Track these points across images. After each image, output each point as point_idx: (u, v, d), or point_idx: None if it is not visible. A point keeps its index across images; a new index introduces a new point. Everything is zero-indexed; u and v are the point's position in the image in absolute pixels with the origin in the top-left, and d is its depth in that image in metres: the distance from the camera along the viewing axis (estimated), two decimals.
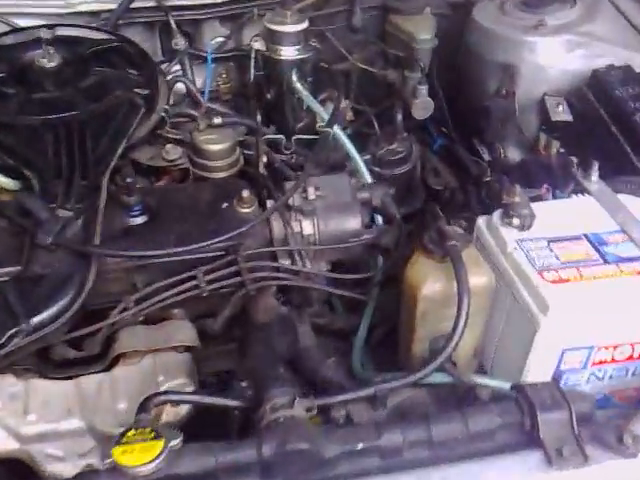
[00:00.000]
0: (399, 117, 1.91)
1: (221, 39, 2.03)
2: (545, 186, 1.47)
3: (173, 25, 1.84)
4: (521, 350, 1.30)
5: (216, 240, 1.31)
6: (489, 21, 1.83)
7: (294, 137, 1.72)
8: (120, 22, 1.88)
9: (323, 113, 1.77)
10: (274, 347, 1.25)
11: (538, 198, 1.46)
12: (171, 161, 1.53)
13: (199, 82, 1.99)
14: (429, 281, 1.31)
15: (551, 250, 1.33)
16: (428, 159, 2.06)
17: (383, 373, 1.35)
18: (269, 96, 1.89)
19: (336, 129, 1.72)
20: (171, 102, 1.71)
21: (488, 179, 1.86)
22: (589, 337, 1.27)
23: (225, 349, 1.43)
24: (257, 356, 1.23)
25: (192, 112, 1.69)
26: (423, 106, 1.88)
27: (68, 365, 1.30)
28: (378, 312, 1.50)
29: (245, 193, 1.39)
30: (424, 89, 1.86)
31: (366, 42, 2.04)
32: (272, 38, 1.81)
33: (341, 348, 1.47)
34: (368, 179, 1.67)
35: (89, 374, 1.30)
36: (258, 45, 1.84)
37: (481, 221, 1.44)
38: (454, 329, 1.22)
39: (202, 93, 1.87)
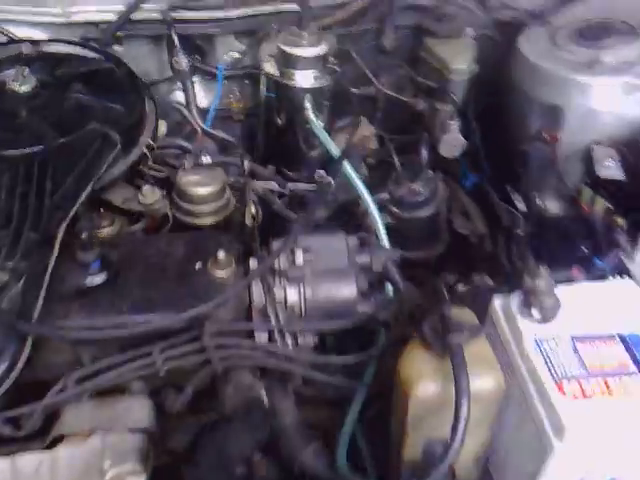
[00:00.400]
0: (424, 153, 1.68)
1: (236, 55, 1.84)
2: (577, 267, 1.23)
3: (175, 40, 1.65)
4: (532, 469, 1.08)
5: (177, 316, 1.12)
6: (535, 53, 1.58)
7: (290, 185, 1.51)
8: (121, 34, 1.70)
9: (334, 149, 1.55)
10: (231, 453, 1.06)
11: (567, 280, 1.22)
12: (148, 205, 1.34)
13: (209, 100, 1.81)
14: (424, 380, 1.10)
15: (576, 351, 1.10)
16: (457, 198, 1.83)
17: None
18: (280, 121, 1.69)
19: (346, 167, 1.51)
20: (165, 131, 1.52)
21: (520, 233, 1.62)
22: (613, 468, 1.05)
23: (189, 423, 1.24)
24: (207, 467, 1.04)
25: (184, 144, 1.50)
26: (452, 143, 1.66)
27: (4, 442, 1.14)
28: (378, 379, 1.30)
29: (221, 254, 1.20)
30: (455, 125, 1.64)
31: (395, 66, 1.80)
32: (285, 60, 1.61)
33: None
34: (379, 226, 1.45)
35: (27, 453, 1.14)
36: (269, 67, 1.63)
37: (497, 303, 1.22)
38: (450, 444, 1.01)
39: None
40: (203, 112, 1.82)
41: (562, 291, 1.16)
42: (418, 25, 1.76)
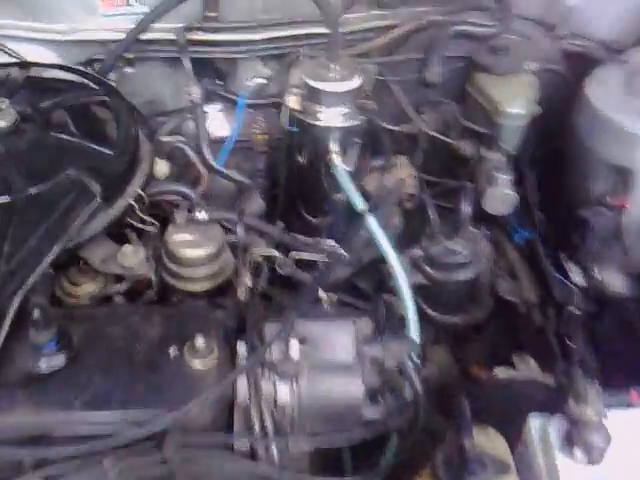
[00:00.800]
0: (466, 206, 1.44)
1: (261, 80, 1.63)
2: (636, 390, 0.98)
3: (187, 66, 1.45)
4: None
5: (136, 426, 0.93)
6: (606, 101, 1.32)
7: (293, 253, 1.29)
8: (131, 56, 1.52)
9: (359, 203, 1.33)
10: None
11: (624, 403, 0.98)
12: (128, 268, 1.15)
13: (229, 129, 1.61)
14: None
15: None
16: (504, 255, 1.59)
17: None
18: (301, 160, 1.48)
19: (371, 223, 1.29)
20: (167, 172, 1.33)
21: (574, 311, 1.37)
22: None
23: None
24: None
25: (186, 190, 1.30)
26: (499, 199, 1.42)
27: None
28: None
29: (199, 341, 1.00)
30: (504, 178, 1.39)
31: (441, 102, 1.57)
32: (310, 94, 1.39)
33: None
34: (406, 300, 1.23)
35: None
36: (292, 101, 1.42)
37: (534, 425, 0.98)
38: None
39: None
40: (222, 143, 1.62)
41: (615, 419, 0.92)
42: (469, 57, 1.51)
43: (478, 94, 1.46)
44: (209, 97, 1.63)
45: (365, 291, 1.52)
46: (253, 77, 1.64)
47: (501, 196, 1.41)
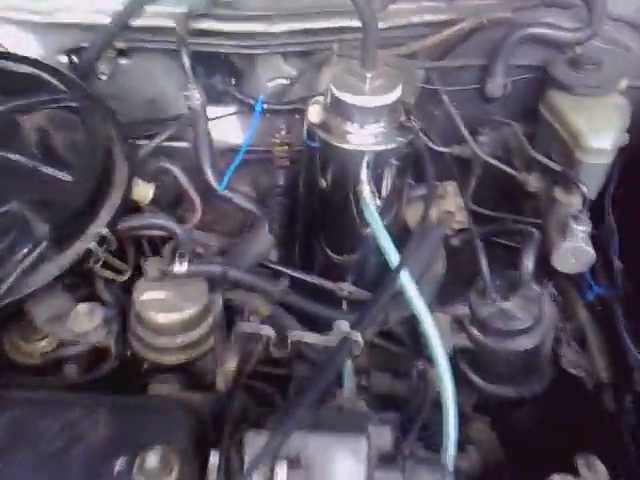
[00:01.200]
0: (529, 261, 1.14)
1: (283, 81, 1.34)
2: None
3: (186, 64, 1.17)
4: None
5: None
6: None
7: (293, 334, 0.99)
8: (123, 46, 1.24)
9: (391, 253, 1.04)
10: None
11: None
12: (79, 335, 0.87)
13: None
14: None
15: None
16: (572, 316, 1.28)
17: None
18: (324, 183, 1.18)
19: (405, 280, 1.00)
20: (149, 197, 1.05)
21: None
22: None
23: None
24: None
25: (168, 224, 1.02)
26: (572, 256, 1.11)
27: None
28: None
29: (153, 459, 0.72)
30: (582, 231, 1.08)
31: (503, 122, 1.25)
32: (337, 108, 1.09)
33: None
34: (444, 373, 0.94)
35: None
36: (314, 114, 1.12)
37: None
38: None
39: None
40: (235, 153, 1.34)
41: None
42: (544, 68, 1.19)
43: (553, 118, 1.14)
44: (221, 98, 1.35)
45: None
46: (274, 77, 1.34)
47: (576, 252, 1.10)
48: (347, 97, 1.07)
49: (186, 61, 1.16)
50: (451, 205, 1.32)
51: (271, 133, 1.39)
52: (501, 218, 1.35)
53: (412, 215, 1.31)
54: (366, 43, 1.04)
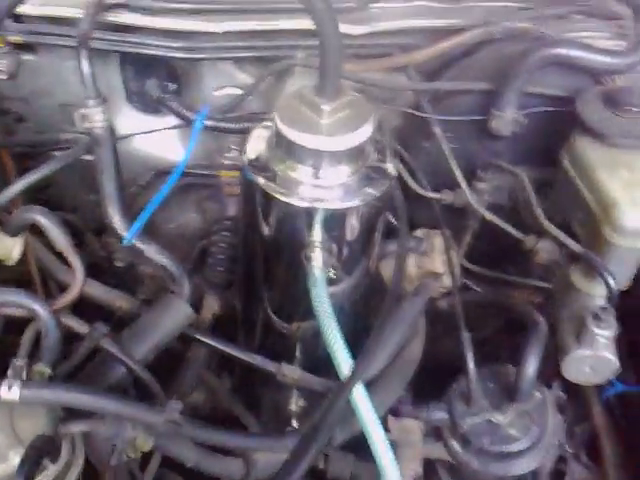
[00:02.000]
0: (530, 365, 0.85)
1: (235, 91, 1.05)
2: None
3: (85, 69, 0.87)
4: None
5: None
6: None
7: None
8: (22, 39, 0.95)
9: (343, 359, 0.76)
10: None
11: None
12: None
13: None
14: None
15: None
16: (584, 420, 1.00)
17: None
18: (266, 230, 0.89)
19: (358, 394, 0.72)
20: (17, 255, 0.77)
21: None
22: None
23: None
24: None
25: (29, 303, 0.73)
26: (588, 365, 0.82)
27: None
28: None
29: None
30: (605, 337, 0.79)
31: (509, 169, 0.96)
32: (284, 147, 0.80)
33: None
34: None
35: None
36: (255, 149, 0.84)
37: None
38: None
39: None
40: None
41: None
42: (571, 101, 0.88)
43: (579, 173, 0.84)
44: (158, 107, 1.06)
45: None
46: (223, 85, 1.05)
47: (595, 362, 0.82)
48: (295, 135, 0.78)
49: (85, 65, 0.86)
50: (437, 264, 1.03)
51: (220, 152, 1.10)
52: (501, 280, 1.07)
53: (389, 272, 1.03)
54: (324, 62, 0.75)
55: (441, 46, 0.93)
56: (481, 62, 0.94)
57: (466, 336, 0.88)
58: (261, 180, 0.82)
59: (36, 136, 1.09)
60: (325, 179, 0.81)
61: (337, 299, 0.91)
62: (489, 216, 0.95)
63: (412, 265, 1.05)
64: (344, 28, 0.89)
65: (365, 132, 0.80)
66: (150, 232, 1.10)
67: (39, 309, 0.73)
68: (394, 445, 0.90)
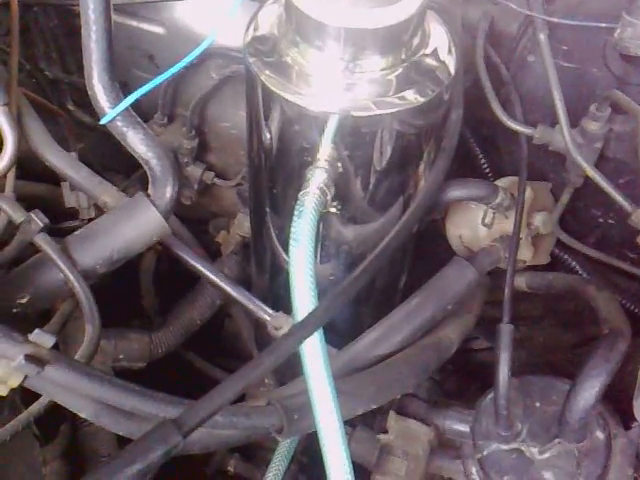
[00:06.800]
0: (588, 392, 0.61)
1: None
2: None
3: None
4: None
5: None
6: None
7: None
8: None
9: (305, 301, 0.54)
10: None
11: None
12: None
13: None
14: None
15: None
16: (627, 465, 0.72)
17: None
18: (268, 138, 0.67)
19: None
20: None
21: None
22: None
23: None
24: None
25: None
26: None
27: None
28: None
29: None
30: None
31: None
32: (297, 25, 0.57)
33: None
34: None
35: None
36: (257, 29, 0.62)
37: None
38: None
39: None
40: None
41: None
42: None
43: None
44: None
45: None
46: None
47: None
48: (311, 7, 0.54)
49: None
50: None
51: None
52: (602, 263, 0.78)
53: (456, 228, 0.77)
54: None
55: None
56: None
57: (506, 329, 0.61)
58: (263, 70, 0.58)
59: None
60: (347, 72, 0.57)
61: (347, 247, 0.68)
62: (591, 172, 0.66)
63: (481, 222, 0.78)
64: None
65: (411, 5, 0.54)
66: (198, 129, 0.92)
67: None
68: (390, 449, 0.68)
